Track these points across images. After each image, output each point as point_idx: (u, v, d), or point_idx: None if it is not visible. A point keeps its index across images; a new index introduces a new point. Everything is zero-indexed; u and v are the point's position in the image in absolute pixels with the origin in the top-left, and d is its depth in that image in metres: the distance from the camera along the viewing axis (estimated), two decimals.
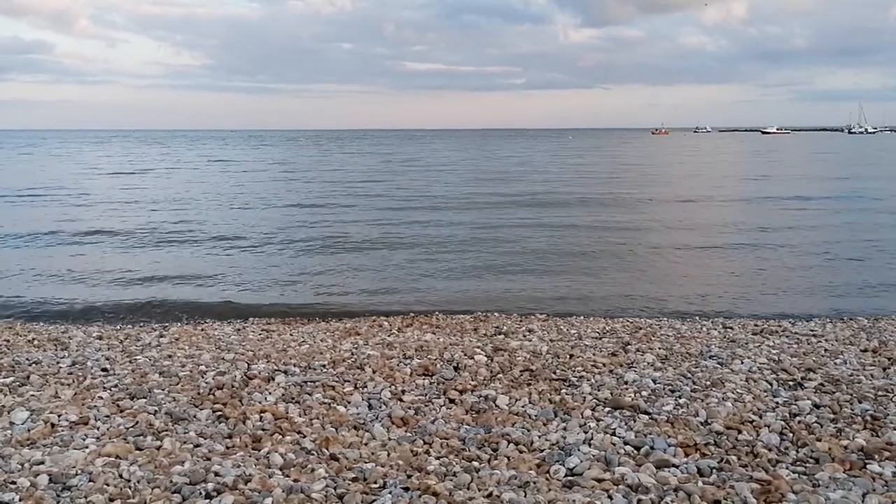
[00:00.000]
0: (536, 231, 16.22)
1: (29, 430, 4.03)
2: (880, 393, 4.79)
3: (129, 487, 3.32)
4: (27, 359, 5.88)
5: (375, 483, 3.42)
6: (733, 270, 11.78)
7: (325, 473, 3.52)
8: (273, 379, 5.12)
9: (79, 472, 3.47)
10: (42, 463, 3.57)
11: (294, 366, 5.54)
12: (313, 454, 3.80)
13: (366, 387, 4.99)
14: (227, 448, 3.87)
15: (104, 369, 5.47)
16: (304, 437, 4.04)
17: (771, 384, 5.04)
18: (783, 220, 17.95)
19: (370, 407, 4.60)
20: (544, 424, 4.28)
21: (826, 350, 6.26)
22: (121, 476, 3.44)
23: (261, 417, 4.33)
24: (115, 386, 4.96)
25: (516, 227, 16.91)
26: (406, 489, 3.33)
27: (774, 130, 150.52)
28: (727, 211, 19.99)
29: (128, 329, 7.93)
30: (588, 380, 5.14)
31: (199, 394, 4.76)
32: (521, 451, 3.86)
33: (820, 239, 15.12)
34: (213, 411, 4.41)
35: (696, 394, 4.81)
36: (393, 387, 4.98)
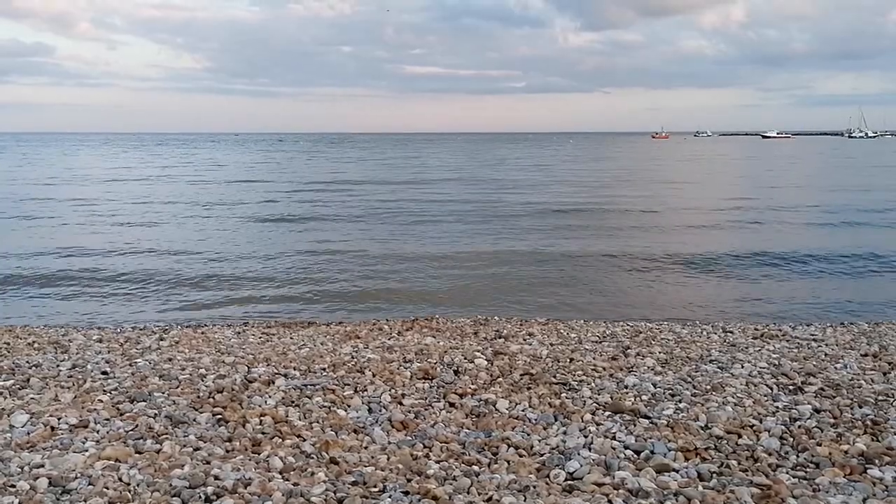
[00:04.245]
0: (537, 235, 16.23)
1: (28, 434, 4.03)
2: (881, 397, 4.78)
3: (129, 491, 3.31)
4: (27, 362, 5.88)
5: (375, 487, 3.41)
6: (733, 274, 11.78)
7: (324, 477, 3.51)
8: (273, 382, 5.12)
9: (78, 475, 3.46)
10: (41, 466, 3.57)
11: (294, 369, 5.54)
12: (313, 458, 3.79)
13: (366, 390, 4.99)
14: (227, 451, 3.87)
15: (104, 372, 5.47)
16: (304, 440, 4.03)
17: (771, 388, 5.04)
18: (783, 222, 17.97)
19: (370, 410, 4.59)
20: (544, 428, 4.28)
21: (826, 354, 6.26)
22: (120, 479, 3.43)
23: (261, 421, 4.32)
24: (115, 389, 4.96)
25: (516, 230, 16.92)
26: (406, 493, 3.32)
27: (775, 135, 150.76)
28: (727, 215, 19.99)
29: (128, 332, 7.92)
30: (588, 384, 5.14)
31: (198, 397, 4.76)
32: (521, 456, 3.86)
33: (820, 243, 15.13)
34: (213, 415, 4.40)
35: (697, 398, 4.81)
36: (393, 390, 4.98)
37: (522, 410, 4.59)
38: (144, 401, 4.67)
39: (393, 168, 46.51)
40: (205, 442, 3.98)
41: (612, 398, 4.79)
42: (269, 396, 4.80)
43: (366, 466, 3.67)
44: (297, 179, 35.22)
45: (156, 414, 4.40)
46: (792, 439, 4.03)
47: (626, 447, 3.94)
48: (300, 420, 4.38)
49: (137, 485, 3.37)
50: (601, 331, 7.60)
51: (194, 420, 4.32)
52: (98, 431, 4.10)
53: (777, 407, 4.61)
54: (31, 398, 4.72)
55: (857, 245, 14.49)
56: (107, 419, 4.31)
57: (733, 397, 4.81)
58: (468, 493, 3.36)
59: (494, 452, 3.90)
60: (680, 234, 16.41)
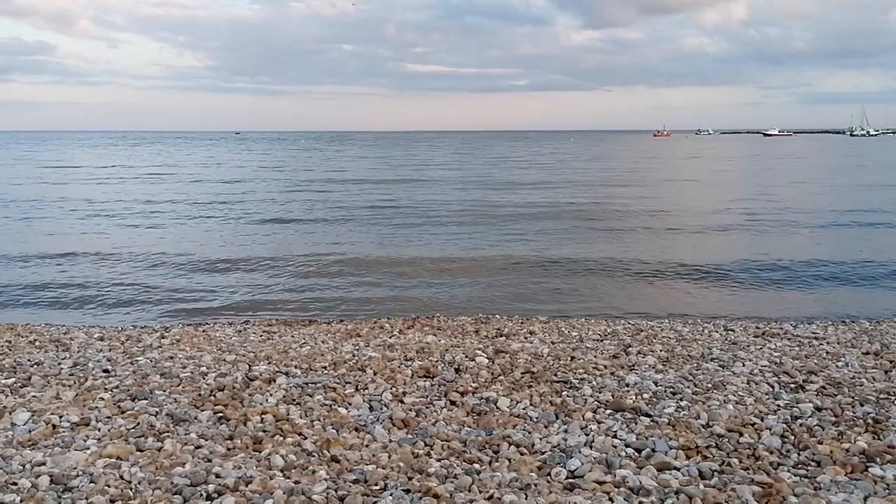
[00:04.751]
0: (537, 235, 16.22)
1: (30, 432, 4.04)
2: (882, 396, 4.78)
3: (130, 489, 3.32)
4: (29, 360, 5.89)
5: (376, 485, 3.42)
6: (734, 274, 11.76)
7: (325, 475, 3.52)
8: (274, 380, 5.12)
9: (80, 473, 3.47)
10: (43, 464, 3.58)
11: (295, 367, 5.54)
12: (314, 456, 3.80)
13: (367, 388, 4.99)
14: (228, 449, 3.87)
15: (105, 371, 5.48)
16: (305, 438, 4.04)
17: (772, 387, 5.04)
18: (784, 223, 17.94)
19: (371, 409, 4.60)
20: (545, 427, 4.28)
21: (828, 353, 6.26)
22: (122, 477, 3.44)
23: (262, 419, 4.33)
24: (117, 387, 4.97)
25: (517, 231, 16.92)
26: (407, 491, 3.33)
27: (776, 133, 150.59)
28: (729, 216, 19.96)
29: (129, 330, 7.93)
30: (589, 382, 5.14)
31: (200, 395, 4.77)
32: (522, 454, 3.86)
33: (821, 242, 15.11)
34: (214, 413, 4.41)
35: (698, 396, 4.81)
36: (394, 388, 4.98)
37: (523, 409, 4.59)
38: (146, 399, 4.68)
39: (394, 167, 46.49)
40: (206, 440, 3.99)
41: (613, 396, 4.80)
42: (271, 395, 4.81)
43: (367, 464, 3.68)
44: (298, 178, 35.22)
45: (157, 412, 4.41)
46: (793, 437, 4.03)
47: (627, 445, 3.94)
48: (301, 418, 4.38)
49: (139, 483, 3.37)
50: (602, 329, 7.60)
51: (195, 418, 4.33)
52: (99, 429, 4.11)
53: (778, 405, 4.61)
54: (33, 396, 4.73)
55: (863, 247, 14.39)
56: (108, 417, 4.32)
57: (734, 395, 4.81)
58: (469, 491, 3.36)
59: (495, 451, 3.91)
60: (683, 236, 16.35)
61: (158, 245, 14.74)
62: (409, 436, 4.14)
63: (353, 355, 6.01)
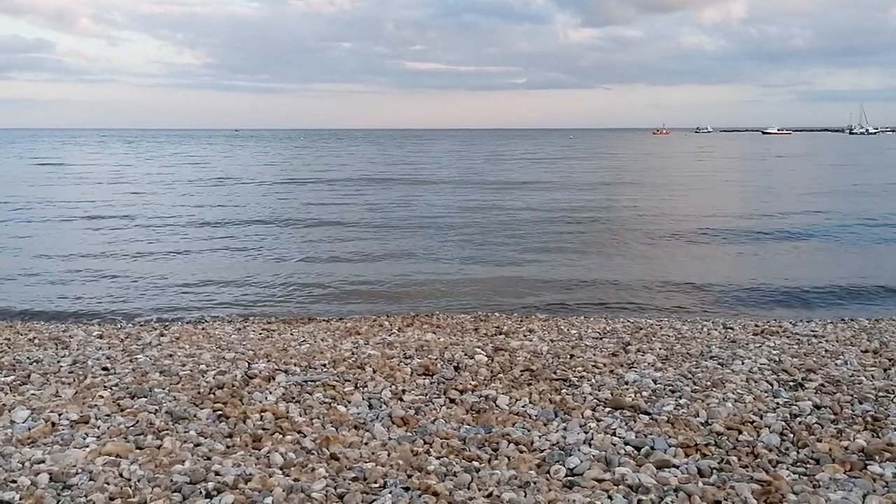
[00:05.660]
0: (538, 233, 16.22)
1: (29, 429, 4.04)
2: (881, 394, 4.79)
3: (130, 486, 3.32)
4: (28, 357, 5.89)
5: (375, 483, 3.42)
6: (734, 271, 11.76)
7: (325, 473, 3.52)
8: (273, 378, 5.13)
9: (79, 470, 3.47)
10: (42, 462, 3.58)
11: (294, 365, 5.54)
12: (314, 454, 3.80)
13: (366, 386, 4.99)
14: (228, 447, 3.87)
15: (105, 368, 5.48)
16: (305, 436, 4.04)
17: (771, 385, 5.04)
18: (785, 222, 17.93)
19: (370, 406, 4.60)
20: (545, 424, 4.28)
21: (827, 351, 6.26)
22: (121, 475, 3.44)
23: (261, 417, 4.33)
24: (116, 385, 4.97)
25: (518, 229, 16.91)
26: (406, 489, 3.33)
27: (775, 131, 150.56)
28: (729, 214, 19.95)
29: (128, 328, 7.93)
30: (588, 380, 5.14)
31: (199, 393, 4.77)
32: (521, 451, 3.87)
33: (821, 240, 15.10)
34: (214, 410, 4.41)
35: (697, 394, 4.81)
36: (393, 386, 4.98)
37: (523, 406, 4.59)
38: (145, 397, 4.68)
39: (393, 165, 46.43)
40: (205, 438, 3.99)
41: (612, 394, 4.80)
42: (270, 392, 4.81)
43: (366, 462, 3.68)
44: (297, 177, 35.16)
45: (156, 410, 4.41)
46: (792, 435, 4.04)
47: (626, 443, 3.94)
48: (301, 416, 4.38)
49: (138, 480, 3.37)
50: (601, 327, 7.60)
51: (195, 416, 4.33)
52: (99, 427, 4.11)
53: (777, 403, 4.62)
54: (32, 394, 4.73)
55: (863, 252, 14.34)
56: (107, 415, 4.32)
57: (734, 393, 4.82)
58: (468, 488, 3.37)
59: (495, 448, 3.91)
60: (683, 238, 16.29)
61: (157, 244, 14.73)
62: (409, 434, 4.14)
63: (353, 353, 6.01)
